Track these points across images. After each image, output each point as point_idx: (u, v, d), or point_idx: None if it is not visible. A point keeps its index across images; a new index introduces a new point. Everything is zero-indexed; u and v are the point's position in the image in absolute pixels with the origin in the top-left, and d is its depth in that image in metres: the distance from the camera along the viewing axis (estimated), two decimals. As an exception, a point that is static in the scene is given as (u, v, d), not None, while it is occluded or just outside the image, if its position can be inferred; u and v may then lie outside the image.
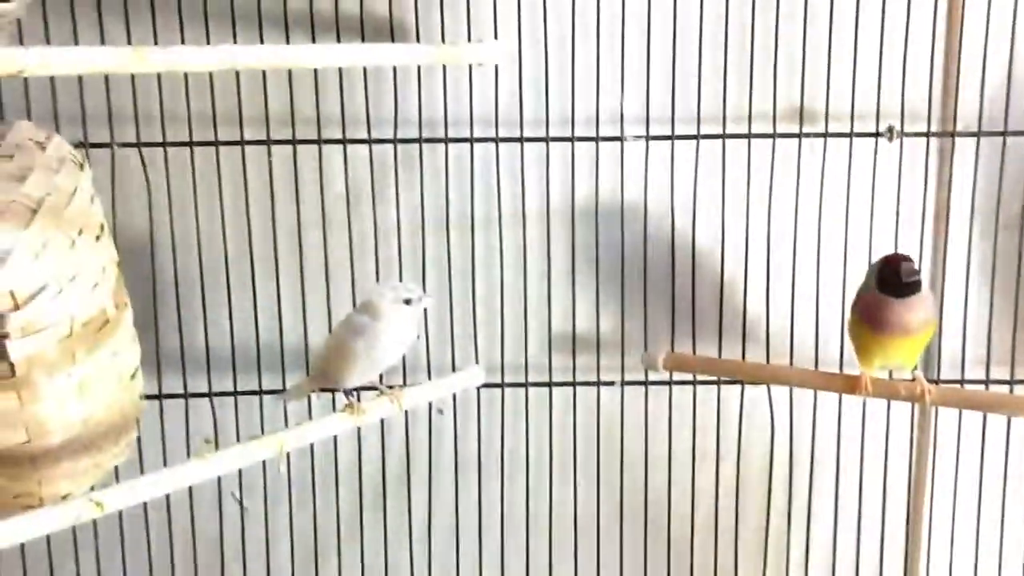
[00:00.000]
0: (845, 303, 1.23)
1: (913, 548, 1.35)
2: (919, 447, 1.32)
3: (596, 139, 1.22)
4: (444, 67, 1.20)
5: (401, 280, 1.21)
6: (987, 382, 1.26)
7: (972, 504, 1.30)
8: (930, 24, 1.21)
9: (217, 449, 1.04)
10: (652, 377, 1.28)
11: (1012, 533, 1.30)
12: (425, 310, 1.12)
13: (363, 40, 1.19)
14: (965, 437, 1.28)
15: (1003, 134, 1.21)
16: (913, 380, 1.12)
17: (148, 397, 1.16)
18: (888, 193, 1.23)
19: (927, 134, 1.22)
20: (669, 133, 1.22)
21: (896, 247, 1.22)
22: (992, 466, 1.29)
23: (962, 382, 1.26)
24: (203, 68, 0.96)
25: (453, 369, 1.25)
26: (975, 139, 1.22)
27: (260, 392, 1.26)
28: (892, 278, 1.06)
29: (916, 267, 1.06)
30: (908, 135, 1.21)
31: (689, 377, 1.27)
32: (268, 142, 1.20)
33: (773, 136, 1.22)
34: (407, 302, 1.06)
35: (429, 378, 1.24)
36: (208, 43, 1.16)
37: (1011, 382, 1.26)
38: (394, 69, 1.20)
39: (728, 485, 1.32)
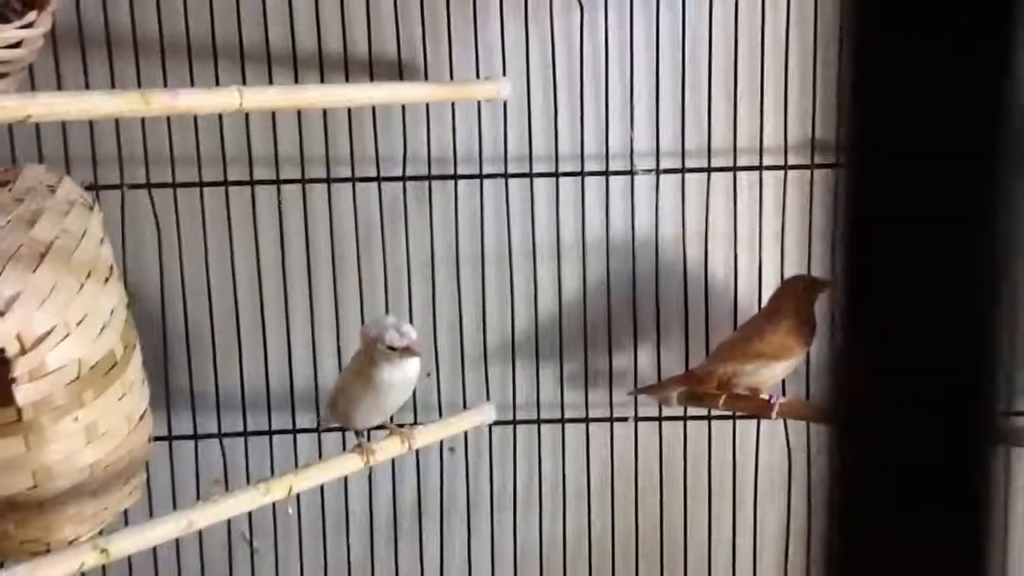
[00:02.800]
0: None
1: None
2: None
3: (606, 173, 1.22)
4: (453, 104, 1.20)
5: (389, 320, 1.07)
6: (1014, 413, 1.23)
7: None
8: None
9: (227, 490, 1.03)
10: (666, 413, 1.26)
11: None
12: (436, 346, 1.10)
13: (372, 79, 1.19)
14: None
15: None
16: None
17: (157, 439, 1.15)
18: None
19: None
20: (679, 166, 1.21)
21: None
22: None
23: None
24: (211, 111, 0.96)
25: (464, 407, 1.24)
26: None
27: (270, 432, 1.25)
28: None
29: None
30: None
31: (703, 412, 1.26)
32: (278, 181, 1.20)
33: (785, 168, 1.21)
34: (392, 348, 1.02)
35: (440, 416, 1.23)
36: (217, 83, 1.16)
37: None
38: (403, 107, 1.20)
39: (746, 522, 1.30)
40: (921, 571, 0.25)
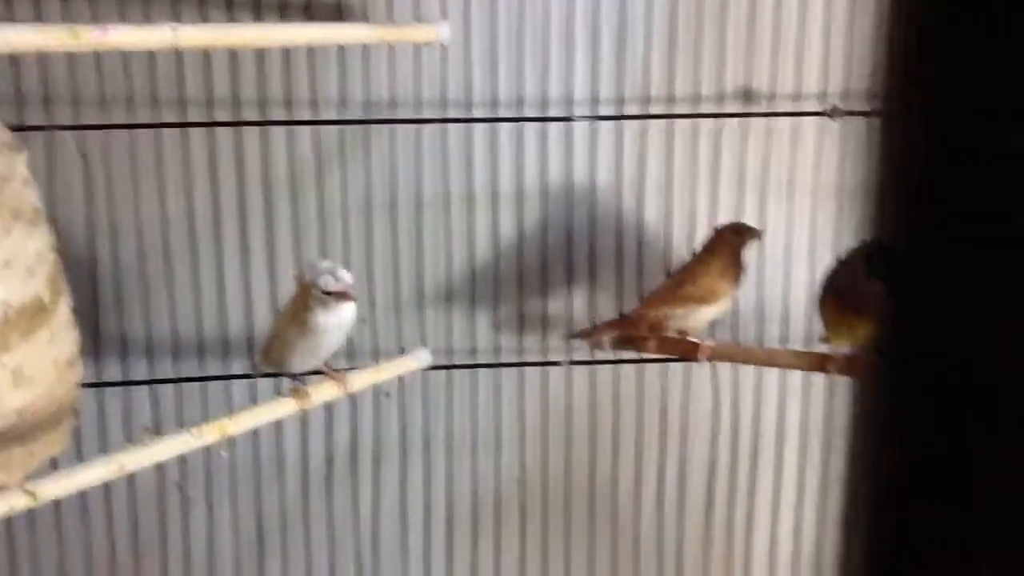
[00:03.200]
0: (789, 279, 1.26)
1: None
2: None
3: (545, 119, 1.22)
4: (392, 47, 1.19)
5: (325, 264, 1.08)
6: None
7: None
8: (870, 8, 1.23)
9: (157, 435, 1.02)
10: (599, 356, 1.28)
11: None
12: (372, 291, 1.10)
13: (309, 19, 1.16)
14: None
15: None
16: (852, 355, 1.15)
17: (87, 385, 1.13)
18: (830, 171, 1.26)
19: (867, 113, 1.25)
20: (617, 113, 1.22)
21: (837, 224, 1.25)
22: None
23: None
24: (142, 47, 0.94)
25: (401, 352, 1.24)
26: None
27: (203, 379, 1.23)
28: (874, 260, 1.07)
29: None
30: (849, 114, 1.24)
31: (635, 356, 1.28)
32: (211, 124, 1.17)
33: (720, 116, 1.23)
34: (326, 293, 1.02)
35: (376, 360, 1.23)
36: (148, 22, 1.12)
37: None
38: (340, 49, 1.18)
39: (674, 461, 1.34)
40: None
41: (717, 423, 1.32)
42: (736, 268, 1.16)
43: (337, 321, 1.05)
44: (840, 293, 1.10)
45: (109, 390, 1.22)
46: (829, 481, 1.35)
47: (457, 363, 1.28)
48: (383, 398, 1.29)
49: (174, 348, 1.22)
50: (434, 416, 1.30)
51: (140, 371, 1.23)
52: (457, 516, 1.32)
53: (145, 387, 1.22)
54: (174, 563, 1.29)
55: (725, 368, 1.30)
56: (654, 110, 1.23)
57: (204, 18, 1.14)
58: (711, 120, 1.24)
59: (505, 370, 1.30)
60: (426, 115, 1.21)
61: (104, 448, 1.19)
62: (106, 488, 1.15)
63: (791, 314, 1.27)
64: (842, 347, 1.16)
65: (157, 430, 1.20)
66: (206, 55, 1.15)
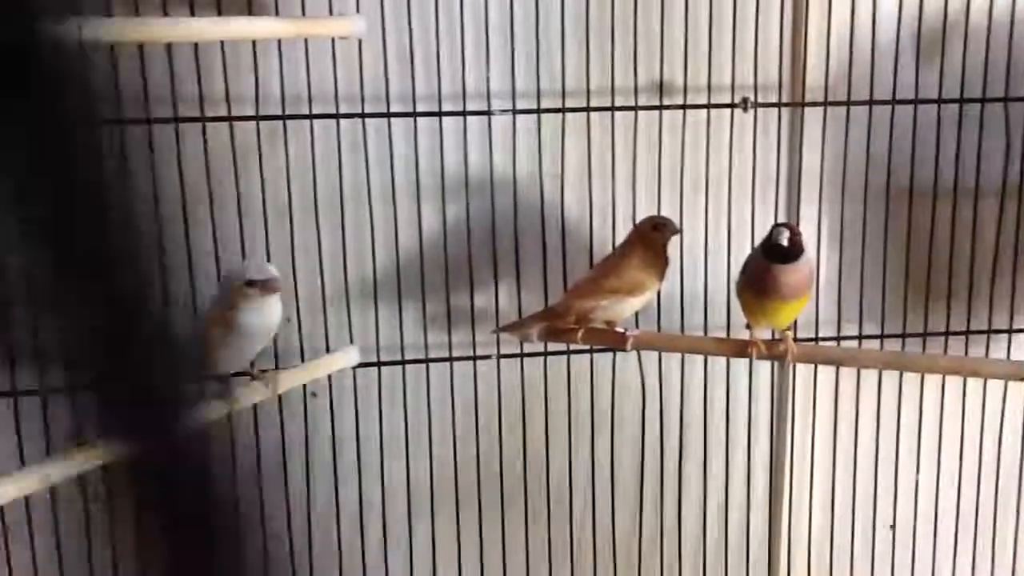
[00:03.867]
0: (709, 269, 1.28)
1: (776, 500, 1.42)
2: (779, 401, 1.39)
3: (463, 113, 1.22)
4: (306, 41, 1.18)
5: (250, 261, 1.14)
6: (839, 338, 1.33)
7: (828, 451, 1.38)
8: (779, 1, 1.26)
9: (79, 445, 0.99)
10: (527, 349, 1.29)
11: (864, 475, 1.39)
12: (296, 291, 1.09)
13: (219, 13, 1.14)
14: (820, 389, 1.37)
15: (847, 103, 1.27)
16: (780, 339, 1.18)
17: (1, 395, 1.10)
18: (745, 162, 1.29)
19: (779, 104, 1.28)
20: (535, 107, 1.23)
21: (753, 213, 1.28)
22: (845, 415, 1.37)
23: (816, 339, 1.33)
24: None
25: (327, 350, 1.23)
26: (822, 109, 1.28)
27: (123, 384, 1.20)
28: (773, 245, 1.11)
29: (792, 235, 1.11)
30: (762, 106, 1.27)
31: (563, 348, 1.30)
32: (121, 121, 1.14)
33: (635, 108, 1.25)
34: (251, 284, 1.02)
35: (303, 360, 1.22)
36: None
37: (859, 337, 1.34)
38: (253, 44, 1.17)
39: (604, 449, 1.36)
40: None
41: (645, 410, 1.34)
42: (658, 261, 1.18)
43: (263, 319, 1.04)
44: (751, 279, 1.13)
45: (22, 399, 1.18)
46: (754, 463, 1.38)
47: (385, 360, 1.27)
48: (311, 398, 1.27)
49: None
50: (364, 414, 1.29)
51: (57, 378, 1.18)
52: (391, 514, 1.32)
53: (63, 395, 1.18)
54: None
55: (651, 356, 1.32)
56: (571, 103, 1.24)
57: (108, 12, 1.11)
58: (629, 112, 1.25)
59: (434, 365, 1.30)
60: (343, 111, 1.20)
61: (21, 458, 1.16)
62: (26, 501, 1.11)
63: (713, 302, 1.30)
64: (762, 332, 1.19)
65: (78, 440, 1.17)
66: (112, 49, 1.12)
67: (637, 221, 1.22)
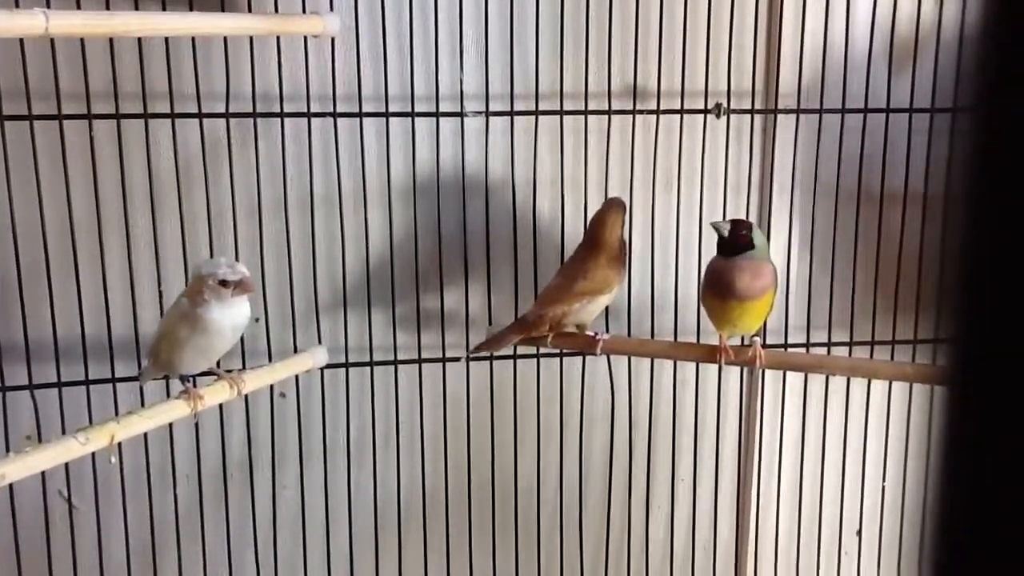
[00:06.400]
0: (679, 273, 1.29)
1: (744, 506, 1.42)
2: (748, 408, 1.39)
3: (436, 115, 1.22)
4: (278, 39, 1.17)
5: (221, 259, 1.09)
6: (807, 345, 1.34)
7: (796, 457, 1.38)
8: (753, 9, 1.27)
9: (40, 443, 0.97)
10: (497, 352, 1.29)
11: (831, 482, 1.40)
12: (264, 289, 1.08)
13: (191, 8, 1.13)
14: (789, 395, 1.37)
15: (819, 111, 1.28)
16: (749, 345, 1.18)
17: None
18: (717, 167, 1.29)
19: (752, 111, 1.29)
20: (508, 109, 1.23)
21: (724, 218, 1.28)
22: (813, 422, 1.37)
23: (785, 346, 1.34)
24: (12, 34, 0.89)
25: (295, 351, 1.22)
26: (794, 116, 1.29)
27: (87, 382, 1.18)
28: (719, 240, 1.11)
29: (734, 226, 1.11)
30: (735, 112, 1.27)
31: (533, 351, 1.29)
32: (89, 116, 1.13)
33: (608, 113, 1.25)
34: (223, 284, 1.01)
35: (270, 360, 1.21)
36: (17, 6, 1.07)
37: (828, 344, 1.35)
38: (225, 40, 1.16)
39: (573, 452, 1.35)
40: None
41: (614, 412, 1.34)
42: (621, 251, 1.18)
43: (231, 319, 1.03)
44: (708, 280, 1.14)
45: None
46: (722, 467, 1.39)
47: (354, 361, 1.26)
48: (279, 399, 1.26)
49: (55, 351, 1.17)
50: (332, 415, 1.28)
51: (20, 376, 1.17)
52: (358, 516, 1.31)
53: (25, 392, 1.17)
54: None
55: (621, 359, 1.32)
56: (544, 106, 1.24)
57: (78, 3, 1.10)
58: (602, 116, 1.25)
59: (403, 367, 1.29)
60: (315, 109, 1.19)
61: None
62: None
63: (684, 306, 1.30)
64: (730, 337, 1.19)
65: (39, 439, 1.15)
66: (82, 43, 1.11)
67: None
